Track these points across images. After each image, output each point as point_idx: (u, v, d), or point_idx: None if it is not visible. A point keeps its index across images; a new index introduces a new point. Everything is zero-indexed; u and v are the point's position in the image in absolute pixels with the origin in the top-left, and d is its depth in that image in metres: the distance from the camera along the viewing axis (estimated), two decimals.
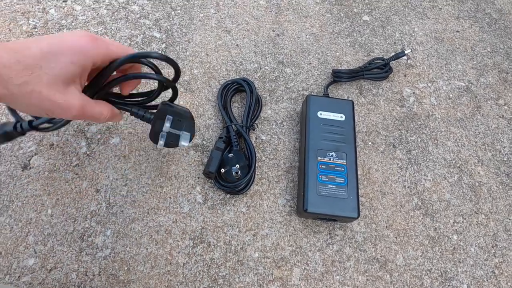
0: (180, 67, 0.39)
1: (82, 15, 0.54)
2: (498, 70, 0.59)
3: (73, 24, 0.52)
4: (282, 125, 0.49)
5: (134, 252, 0.39)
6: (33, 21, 0.52)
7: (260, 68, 0.53)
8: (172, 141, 0.36)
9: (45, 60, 0.26)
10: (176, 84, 0.35)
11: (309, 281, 0.40)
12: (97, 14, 0.54)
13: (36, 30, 0.51)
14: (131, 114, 0.35)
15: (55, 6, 0.54)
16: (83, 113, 0.29)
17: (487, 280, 0.42)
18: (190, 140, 0.36)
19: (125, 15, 0.55)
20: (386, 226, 0.44)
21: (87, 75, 0.29)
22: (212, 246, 0.40)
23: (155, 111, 0.36)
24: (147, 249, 0.39)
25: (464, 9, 0.65)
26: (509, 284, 0.42)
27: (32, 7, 0.53)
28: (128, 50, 0.31)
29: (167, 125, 0.35)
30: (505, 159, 0.50)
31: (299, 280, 0.40)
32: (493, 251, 0.44)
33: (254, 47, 0.55)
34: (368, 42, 0.58)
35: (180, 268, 0.39)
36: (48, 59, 0.26)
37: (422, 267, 0.42)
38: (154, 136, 0.36)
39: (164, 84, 0.34)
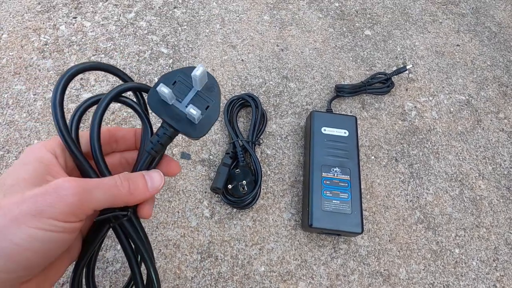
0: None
1: (91, 31, 0.55)
2: (498, 84, 0.60)
3: (83, 40, 0.54)
4: (286, 140, 0.50)
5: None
6: (44, 38, 0.53)
7: (265, 83, 0.54)
8: (204, 105, 0.25)
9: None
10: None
11: None
12: (106, 30, 0.55)
13: (47, 46, 0.53)
14: (154, 153, 0.26)
15: (65, 22, 0.55)
16: (85, 189, 0.21)
17: None
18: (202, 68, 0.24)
19: (133, 31, 0.56)
20: (389, 240, 0.44)
21: (56, 165, 0.22)
22: (220, 260, 0.41)
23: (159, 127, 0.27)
24: (156, 263, 0.40)
25: (464, 23, 0.66)
26: None
27: (43, 23, 0.55)
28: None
29: (177, 107, 0.25)
30: (505, 172, 0.51)
31: None
32: (495, 265, 0.44)
33: (259, 62, 0.56)
34: (370, 56, 0.59)
35: (189, 282, 0.40)
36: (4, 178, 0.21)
37: (425, 281, 0.42)
38: (190, 128, 0.25)
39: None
